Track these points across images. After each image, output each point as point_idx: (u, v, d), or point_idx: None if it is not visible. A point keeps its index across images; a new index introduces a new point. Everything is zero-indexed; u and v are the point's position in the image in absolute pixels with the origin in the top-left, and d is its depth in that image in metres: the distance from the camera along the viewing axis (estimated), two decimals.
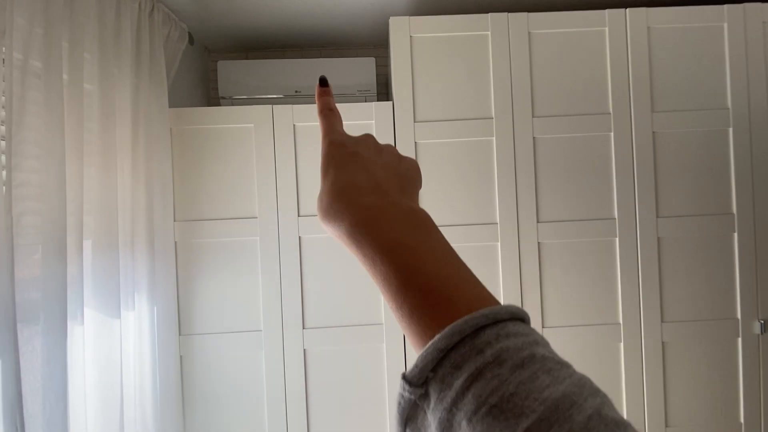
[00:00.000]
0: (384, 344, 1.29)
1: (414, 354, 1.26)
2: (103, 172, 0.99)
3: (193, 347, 1.27)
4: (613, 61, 1.30)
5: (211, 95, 1.80)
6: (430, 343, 0.23)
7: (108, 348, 0.96)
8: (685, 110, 1.30)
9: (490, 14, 1.30)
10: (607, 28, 1.30)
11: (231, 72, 1.62)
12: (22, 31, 0.80)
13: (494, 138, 1.29)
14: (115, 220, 1.01)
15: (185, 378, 1.27)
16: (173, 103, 1.42)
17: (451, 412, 0.21)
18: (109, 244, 0.98)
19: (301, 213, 1.29)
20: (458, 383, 0.21)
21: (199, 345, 1.27)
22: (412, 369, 0.23)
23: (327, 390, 1.28)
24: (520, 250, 1.28)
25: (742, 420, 1.29)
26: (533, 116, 1.30)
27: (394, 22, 1.30)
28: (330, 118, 0.35)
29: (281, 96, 1.64)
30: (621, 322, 1.29)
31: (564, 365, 0.22)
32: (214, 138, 1.30)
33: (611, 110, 1.30)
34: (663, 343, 1.29)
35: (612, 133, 1.30)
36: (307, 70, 1.63)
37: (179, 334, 1.27)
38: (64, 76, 0.88)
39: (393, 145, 0.36)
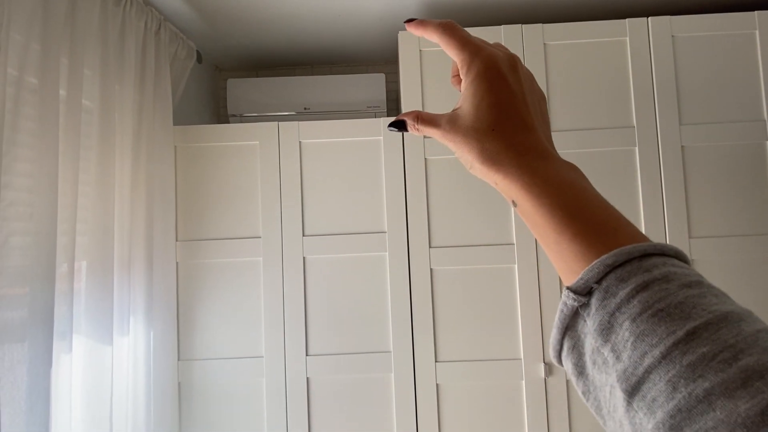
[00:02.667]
0: (392, 374, 1.20)
1: (424, 382, 1.18)
2: (101, 190, 0.96)
3: (193, 373, 1.21)
4: (636, 71, 1.23)
5: (220, 113, 1.79)
6: (597, 260, 0.24)
7: (97, 377, 0.90)
8: (715, 122, 1.21)
9: (503, 26, 1.25)
10: (628, 38, 1.23)
11: (241, 90, 1.61)
12: (18, 47, 0.78)
13: None
14: (111, 240, 0.97)
15: (183, 405, 1.20)
16: (183, 121, 1.40)
17: (613, 315, 0.23)
18: (103, 267, 0.94)
19: (306, 233, 1.24)
20: (624, 292, 0.23)
21: (198, 371, 1.21)
22: (578, 281, 0.25)
23: (331, 421, 1.20)
24: (539, 272, 1.19)
25: None
26: (550, 130, 1.22)
27: (403, 36, 1.27)
28: (455, 30, 0.31)
29: (292, 113, 1.61)
30: None
31: (730, 298, 0.23)
32: (218, 156, 1.27)
33: (635, 123, 1.22)
34: None
35: (636, 148, 1.21)
36: (317, 87, 1.61)
37: (178, 359, 1.21)
38: (62, 92, 0.86)
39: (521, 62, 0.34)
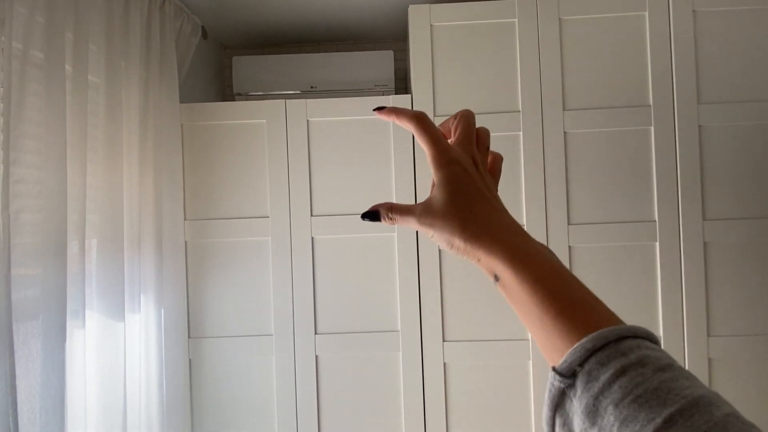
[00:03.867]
0: (400, 353, 1.21)
1: (432, 361, 1.19)
2: (109, 168, 0.95)
3: (203, 351, 1.23)
4: (654, 48, 1.19)
5: (226, 92, 1.76)
6: (578, 343, 0.27)
7: (111, 352, 0.92)
8: (735, 102, 1.18)
9: None
10: (647, 12, 1.19)
11: (246, 68, 1.59)
12: (23, 19, 0.77)
13: (521, 133, 1.20)
14: (120, 219, 0.97)
15: (194, 382, 1.23)
16: (188, 100, 1.38)
17: (597, 399, 0.25)
18: (113, 244, 0.94)
19: (314, 213, 1.23)
20: (605, 376, 0.25)
21: (208, 348, 1.23)
22: (562, 363, 0.27)
23: (339, 398, 1.22)
24: None
25: None
26: (564, 109, 1.20)
27: (413, 10, 1.23)
28: (428, 122, 0.36)
29: (298, 92, 1.59)
30: (662, 335, 1.17)
31: (698, 379, 0.25)
32: (225, 134, 1.25)
33: (651, 102, 1.18)
34: (709, 359, 1.16)
35: (652, 128, 1.18)
36: (324, 64, 1.58)
37: (188, 337, 1.23)
38: (67, 68, 0.85)
39: (472, 125, 0.38)
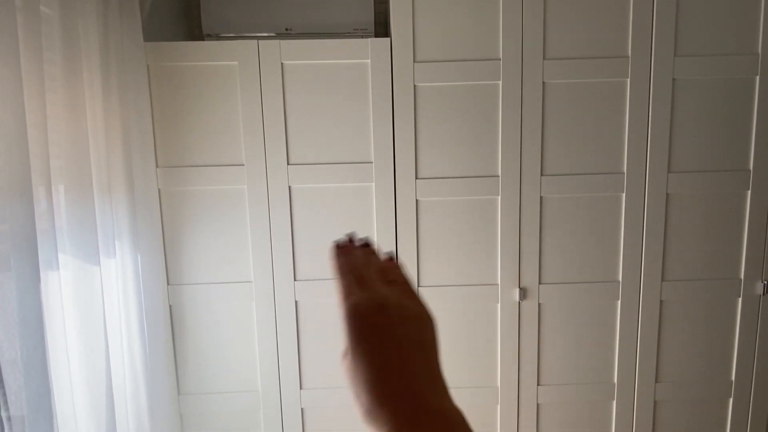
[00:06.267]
0: None
1: None
2: (71, 109, 0.91)
3: (183, 297, 1.25)
4: None
5: (195, 33, 1.66)
6: None
7: (88, 294, 0.92)
8: (710, 55, 1.19)
9: None
10: None
11: (216, 6, 1.48)
12: None
13: (500, 82, 1.19)
14: (87, 164, 0.94)
15: (175, 327, 1.26)
16: (153, 40, 1.30)
17: None
18: (82, 189, 0.91)
19: (291, 161, 1.22)
20: None
21: (188, 295, 1.25)
22: None
23: (319, 342, 1.28)
24: (521, 205, 1.22)
25: (732, 378, 1.29)
26: (544, 58, 1.18)
27: None
28: (347, 278, 0.31)
29: (272, 34, 1.51)
30: (620, 280, 1.25)
31: None
32: (195, 76, 1.20)
33: (630, 53, 1.18)
34: (661, 301, 1.26)
35: (628, 79, 1.19)
36: (299, 5, 1.49)
37: (168, 284, 1.24)
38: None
39: (409, 286, 0.32)
